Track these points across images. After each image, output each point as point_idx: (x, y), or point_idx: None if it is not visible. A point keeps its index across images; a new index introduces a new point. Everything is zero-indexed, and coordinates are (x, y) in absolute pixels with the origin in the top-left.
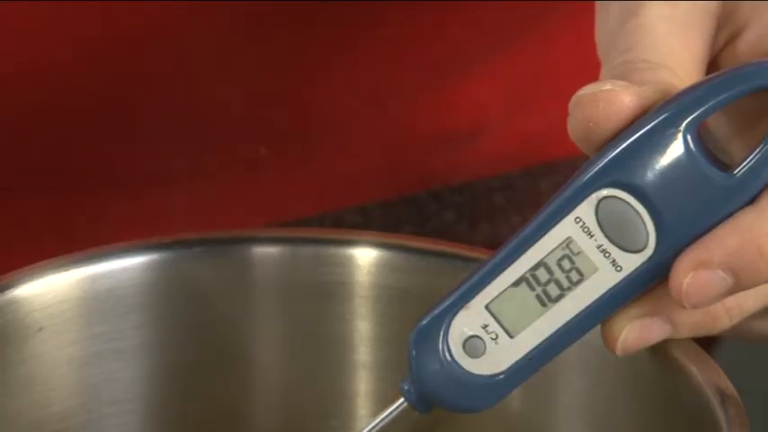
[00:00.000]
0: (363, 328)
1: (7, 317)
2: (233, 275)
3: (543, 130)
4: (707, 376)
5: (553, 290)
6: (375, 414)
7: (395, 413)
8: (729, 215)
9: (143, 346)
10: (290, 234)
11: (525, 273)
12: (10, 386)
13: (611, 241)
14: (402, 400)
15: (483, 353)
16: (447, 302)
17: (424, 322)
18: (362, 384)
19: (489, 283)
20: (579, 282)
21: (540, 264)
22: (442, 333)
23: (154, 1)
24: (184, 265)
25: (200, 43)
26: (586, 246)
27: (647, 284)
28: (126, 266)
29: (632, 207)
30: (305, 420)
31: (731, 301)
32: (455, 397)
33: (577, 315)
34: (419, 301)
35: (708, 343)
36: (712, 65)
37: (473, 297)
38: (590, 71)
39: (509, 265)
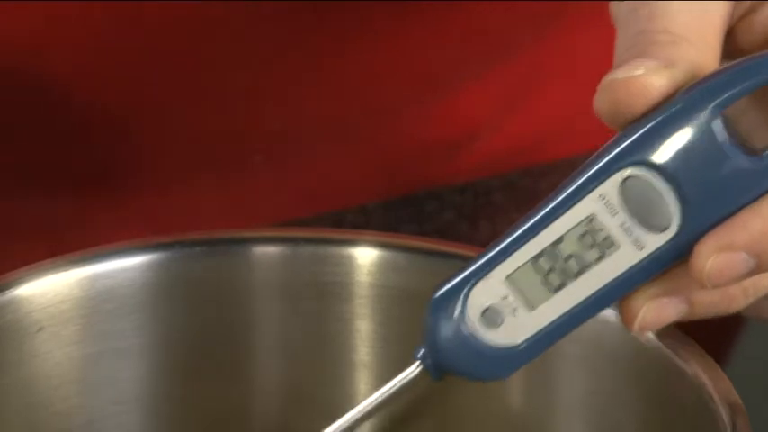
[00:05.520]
0: (363, 328)
1: (7, 317)
2: (233, 275)
3: (543, 130)
4: (708, 376)
5: (573, 265)
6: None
7: (407, 379)
8: (755, 199)
9: (143, 346)
10: (290, 234)
11: (546, 247)
12: (10, 386)
13: (635, 220)
14: (416, 365)
15: (501, 324)
16: (467, 271)
17: (444, 289)
18: (362, 384)
19: (510, 255)
20: (600, 259)
21: (562, 239)
22: (460, 301)
23: (152, 1)
24: (184, 265)
25: (198, 44)
26: (609, 223)
27: (668, 264)
28: (126, 266)
29: (657, 187)
30: (305, 420)
31: (747, 281)
32: (470, 365)
33: (597, 291)
34: (419, 301)
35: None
36: (729, 35)
37: (494, 268)
38: (589, 71)
39: (531, 238)
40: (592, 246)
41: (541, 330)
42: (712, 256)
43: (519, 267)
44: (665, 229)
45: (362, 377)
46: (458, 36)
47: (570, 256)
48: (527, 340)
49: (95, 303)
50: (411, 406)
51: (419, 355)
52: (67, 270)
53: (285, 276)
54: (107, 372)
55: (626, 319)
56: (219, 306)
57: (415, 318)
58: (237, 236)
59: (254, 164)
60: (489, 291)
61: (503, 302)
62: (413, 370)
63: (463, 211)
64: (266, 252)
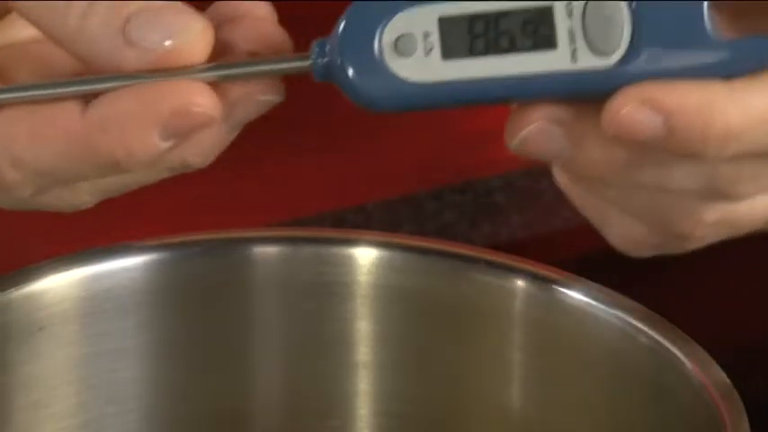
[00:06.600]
0: (363, 328)
1: (7, 317)
2: (233, 275)
3: None
4: (707, 375)
5: (504, 42)
6: (375, 413)
7: (288, 65)
8: (702, 75)
9: (143, 346)
10: (290, 234)
11: (491, 13)
12: (10, 386)
13: (584, 34)
14: (308, 57)
15: (409, 56)
16: None
17: None
18: (362, 384)
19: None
20: (531, 50)
21: (509, 13)
22: (385, 17)
23: None
24: (184, 265)
25: None
26: (560, 22)
27: (585, 93)
28: (126, 266)
29: (619, 15)
30: (305, 420)
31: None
32: (362, 83)
33: (509, 78)
34: (419, 301)
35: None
36: None
37: (431, 2)
38: None
39: None
40: (532, 34)
41: (440, 83)
42: (634, 104)
43: (455, 16)
44: (606, 55)
45: (362, 377)
46: None
47: (506, 33)
48: (423, 84)
49: (95, 303)
50: (409, 404)
51: (315, 49)
52: (67, 270)
53: (285, 276)
54: (107, 372)
55: (511, 127)
56: (219, 306)
57: (415, 317)
58: (237, 236)
59: (257, 159)
60: (417, 21)
61: (422, 38)
62: (300, 60)
63: (463, 211)
64: (266, 252)
